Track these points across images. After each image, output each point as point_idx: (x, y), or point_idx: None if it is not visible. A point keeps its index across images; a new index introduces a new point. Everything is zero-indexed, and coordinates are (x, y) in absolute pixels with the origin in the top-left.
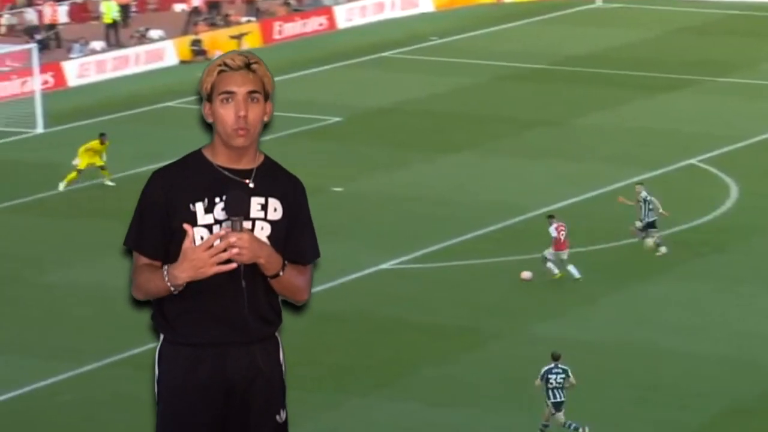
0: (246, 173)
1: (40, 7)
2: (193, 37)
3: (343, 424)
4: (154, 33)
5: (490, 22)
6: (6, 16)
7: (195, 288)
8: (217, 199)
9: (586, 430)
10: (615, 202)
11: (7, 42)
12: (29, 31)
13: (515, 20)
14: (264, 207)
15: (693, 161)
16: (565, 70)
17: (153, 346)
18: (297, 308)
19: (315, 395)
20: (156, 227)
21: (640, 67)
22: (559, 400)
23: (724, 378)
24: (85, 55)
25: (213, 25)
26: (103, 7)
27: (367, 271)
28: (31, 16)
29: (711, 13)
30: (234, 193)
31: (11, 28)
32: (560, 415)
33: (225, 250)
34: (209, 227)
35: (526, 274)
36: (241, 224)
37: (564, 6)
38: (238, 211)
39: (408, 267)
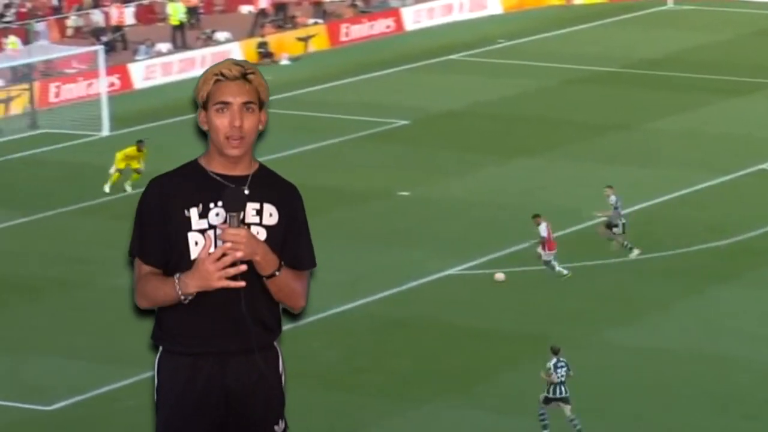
0: (241, 180)
1: (106, 9)
2: (259, 39)
3: None
4: (220, 35)
5: (559, 24)
6: (73, 17)
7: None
8: (212, 205)
9: None
10: (684, 207)
11: (74, 44)
12: (96, 33)
13: (585, 22)
14: (259, 212)
15: (765, 166)
16: (636, 73)
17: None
18: (294, 316)
19: (380, 401)
20: (156, 234)
21: (712, 70)
22: (564, 395)
23: None
24: (151, 57)
25: (280, 27)
26: (170, 9)
27: (433, 277)
28: (97, 17)
29: None
30: (231, 190)
31: (78, 30)
32: (567, 409)
33: (234, 264)
34: (203, 232)
35: (499, 276)
36: (238, 220)
37: (635, 8)
38: (235, 207)
39: (475, 273)
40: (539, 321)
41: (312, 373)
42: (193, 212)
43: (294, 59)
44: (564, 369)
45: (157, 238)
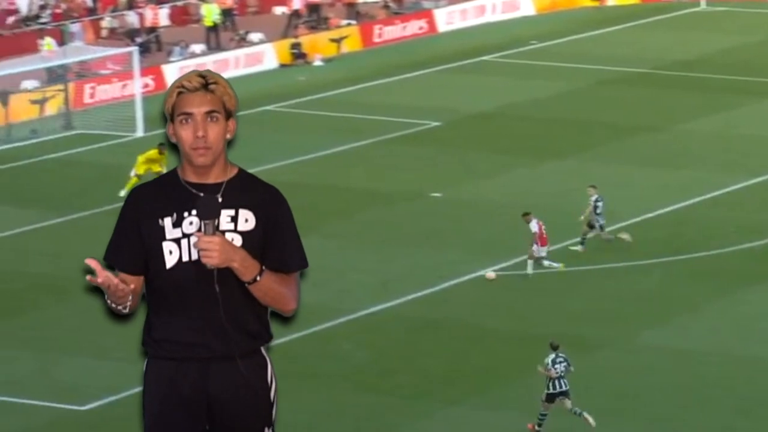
0: (215, 188)
1: (141, 10)
2: (292, 40)
3: None
4: (254, 36)
5: (591, 26)
6: (107, 19)
7: (173, 300)
8: (186, 214)
9: (591, 419)
10: (716, 209)
11: (109, 45)
12: (130, 34)
13: (617, 24)
14: (234, 218)
15: None
16: (668, 75)
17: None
18: (285, 319)
19: (411, 402)
20: (130, 242)
21: (744, 72)
22: (564, 389)
23: None
24: (185, 58)
25: (313, 28)
26: (204, 10)
27: (465, 278)
28: (132, 19)
29: None
30: (205, 198)
31: (112, 31)
32: (568, 402)
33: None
34: (177, 241)
35: (490, 275)
36: (213, 227)
37: (667, 9)
38: (209, 214)
39: (507, 274)
40: (570, 322)
41: (342, 374)
42: (167, 221)
43: (327, 60)
44: (564, 364)
45: (128, 246)
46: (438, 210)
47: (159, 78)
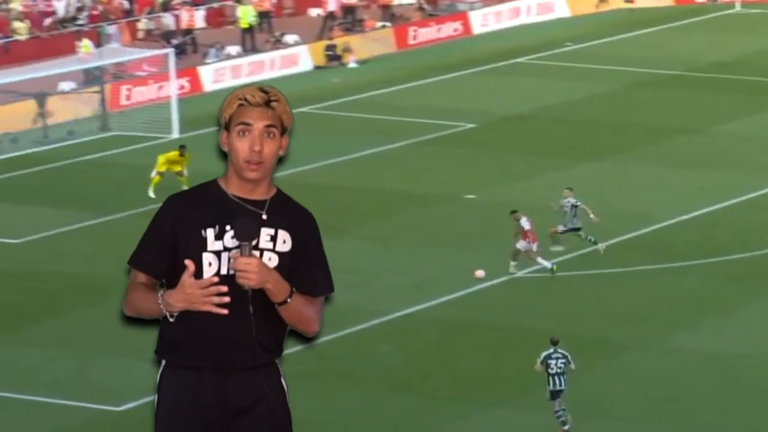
0: (259, 204)
1: (177, 12)
2: (327, 42)
3: None
4: (289, 38)
5: (626, 28)
6: (144, 20)
7: (202, 311)
8: (228, 227)
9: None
10: (751, 211)
11: (145, 47)
12: (166, 36)
13: (652, 26)
14: (273, 238)
15: None
16: (703, 77)
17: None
18: (308, 340)
19: (446, 405)
20: (161, 248)
21: None
22: (558, 388)
23: None
24: (221, 60)
25: (348, 31)
26: (240, 12)
27: (499, 280)
28: (168, 20)
29: None
30: (243, 219)
31: (149, 33)
32: (555, 403)
33: (225, 294)
34: (218, 254)
35: (479, 273)
36: (250, 249)
37: (702, 11)
38: (247, 236)
39: (542, 276)
40: (603, 324)
41: (378, 376)
42: (210, 233)
43: (361, 62)
44: (563, 361)
45: (160, 251)
46: (472, 212)
47: (195, 80)
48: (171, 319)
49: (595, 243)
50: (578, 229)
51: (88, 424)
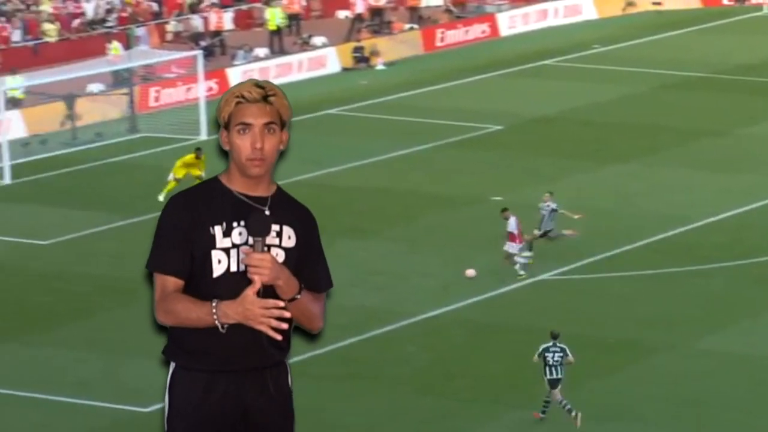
0: (262, 200)
1: (205, 14)
2: (355, 44)
3: None
4: (317, 40)
5: (653, 30)
6: (172, 23)
7: None
8: (235, 224)
9: (579, 415)
10: None
11: (173, 49)
12: (195, 38)
13: (679, 28)
14: (279, 234)
15: None
16: (731, 79)
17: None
18: (312, 337)
19: (472, 406)
20: (180, 248)
21: None
22: (555, 377)
23: None
24: (249, 62)
25: (376, 33)
26: (268, 14)
27: (526, 282)
28: (196, 23)
29: None
30: (256, 215)
31: (177, 35)
32: (556, 393)
33: (281, 319)
34: (227, 251)
35: (470, 272)
36: (262, 245)
37: (730, 14)
38: (259, 231)
39: (568, 278)
40: (631, 327)
41: (404, 377)
42: (218, 230)
43: (389, 64)
44: (560, 354)
45: (181, 249)
46: (498, 214)
47: (223, 81)
48: (222, 330)
49: (563, 233)
50: (549, 231)
51: (116, 424)
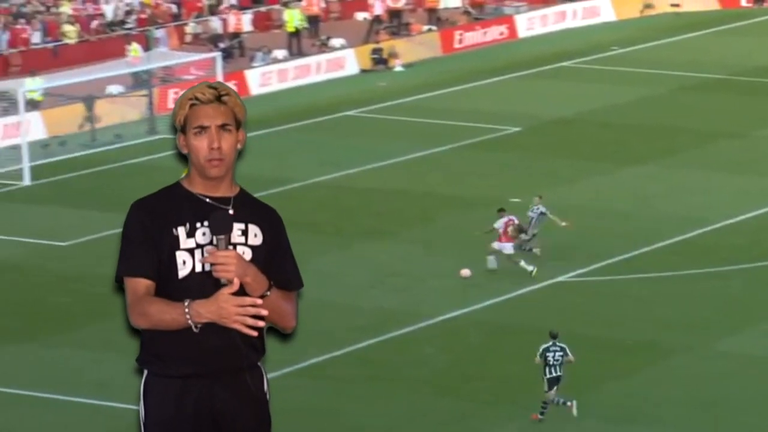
0: (225, 201)
1: (224, 16)
2: (374, 45)
3: None
4: (335, 41)
5: (671, 32)
6: (191, 24)
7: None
8: (198, 224)
9: (574, 404)
10: None
11: (192, 50)
12: (213, 40)
13: (698, 30)
14: (245, 232)
15: None
16: (750, 81)
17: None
18: (285, 336)
19: (490, 408)
20: (147, 250)
21: None
22: (555, 375)
23: None
24: (268, 64)
25: (394, 34)
26: (286, 16)
27: (544, 284)
28: (215, 24)
29: None
30: (218, 213)
31: (196, 37)
32: (551, 393)
33: (256, 317)
34: (191, 251)
35: (465, 272)
36: (226, 242)
37: (748, 16)
38: (222, 229)
39: (586, 280)
40: (649, 328)
41: (422, 379)
42: (181, 231)
43: (407, 66)
44: (560, 354)
45: (148, 251)
46: (517, 215)
47: (242, 83)
48: (195, 330)
49: (531, 250)
50: (535, 235)
51: (133, 426)
